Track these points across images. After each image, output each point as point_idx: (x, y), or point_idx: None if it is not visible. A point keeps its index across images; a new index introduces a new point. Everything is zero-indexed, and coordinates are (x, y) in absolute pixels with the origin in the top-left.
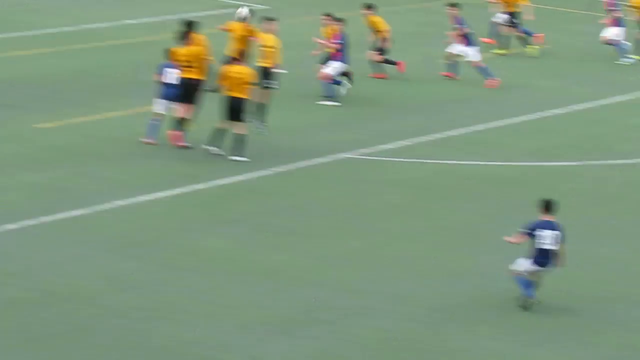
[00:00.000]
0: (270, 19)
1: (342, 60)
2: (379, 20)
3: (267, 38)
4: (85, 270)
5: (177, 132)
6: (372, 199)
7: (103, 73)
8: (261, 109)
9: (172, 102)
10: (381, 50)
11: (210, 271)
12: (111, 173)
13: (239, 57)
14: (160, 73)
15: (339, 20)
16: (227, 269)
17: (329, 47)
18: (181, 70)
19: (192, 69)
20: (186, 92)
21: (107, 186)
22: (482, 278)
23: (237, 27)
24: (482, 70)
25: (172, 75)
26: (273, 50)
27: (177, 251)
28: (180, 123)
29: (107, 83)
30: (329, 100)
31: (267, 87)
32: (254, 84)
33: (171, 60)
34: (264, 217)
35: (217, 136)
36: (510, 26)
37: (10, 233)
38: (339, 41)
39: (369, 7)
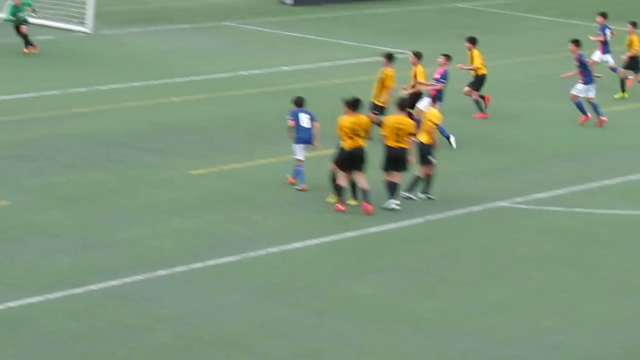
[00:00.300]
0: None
1: (440, 99)
2: (477, 54)
3: (431, 114)
4: (235, 316)
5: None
6: (525, 248)
7: (256, 119)
8: (425, 182)
9: (307, 145)
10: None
11: (360, 319)
12: (263, 219)
13: (401, 106)
14: (293, 119)
15: (447, 56)
16: (377, 316)
17: (434, 87)
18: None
19: (357, 138)
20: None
21: (259, 233)
22: (636, 328)
23: (391, 73)
24: (594, 107)
25: (306, 120)
26: (435, 127)
27: (328, 298)
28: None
29: (261, 129)
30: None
31: (429, 163)
32: (414, 134)
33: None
34: (415, 265)
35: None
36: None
37: (162, 279)
38: (442, 79)
39: (471, 41)
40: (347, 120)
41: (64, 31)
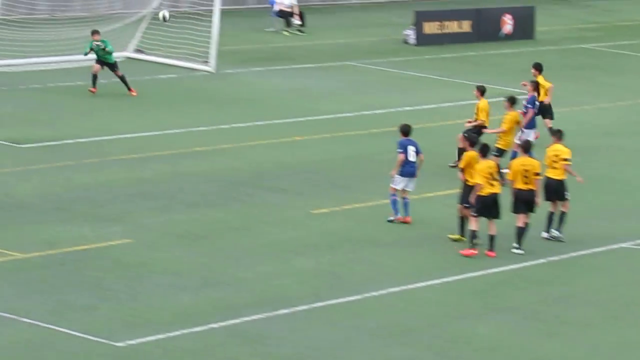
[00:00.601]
0: (557, 132)
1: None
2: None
3: (559, 150)
4: (356, 356)
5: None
6: None
7: (379, 159)
8: (558, 218)
9: (411, 179)
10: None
11: None
12: (384, 259)
13: (524, 148)
14: (403, 151)
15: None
16: (499, 357)
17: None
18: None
19: (494, 183)
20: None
21: (380, 272)
22: None
23: (509, 117)
24: None
25: (413, 153)
26: (568, 162)
27: (449, 339)
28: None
29: (383, 169)
30: None
31: (564, 199)
32: (539, 174)
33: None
34: (537, 306)
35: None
36: None
37: (283, 317)
38: (529, 105)
39: (537, 67)
40: (485, 165)
41: (187, 70)
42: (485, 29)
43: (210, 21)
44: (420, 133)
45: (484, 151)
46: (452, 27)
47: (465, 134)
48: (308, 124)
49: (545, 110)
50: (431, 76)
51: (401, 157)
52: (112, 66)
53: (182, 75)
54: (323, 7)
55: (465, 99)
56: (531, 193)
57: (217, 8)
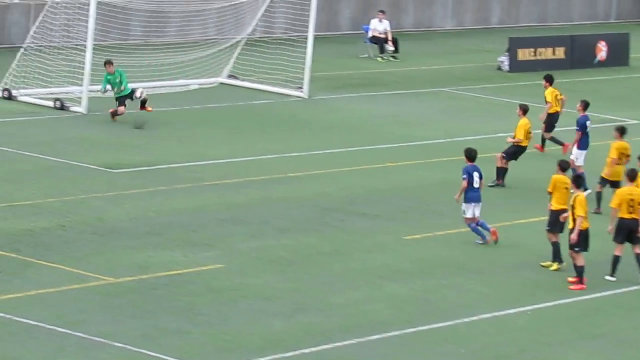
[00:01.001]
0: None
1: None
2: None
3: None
4: None
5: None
6: None
7: None
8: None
9: (477, 204)
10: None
11: None
12: (476, 285)
13: (631, 177)
14: (468, 179)
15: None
16: None
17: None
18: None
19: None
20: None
21: (472, 299)
22: None
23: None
24: None
25: (477, 179)
26: None
27: None
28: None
29: None
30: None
31: None
32: None
33: None
34: (630, 333)
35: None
36: None
37: (374, 343)
38: (578, 129)
39: (547, 79)
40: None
41: (281, 96)
42: (579, 56)
43: (304, 47)
44: (518, 161)
45: (576, 182)
46: (547, 54)
47: (504, 155)
48: (401, 150)
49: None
50: (524, 103)
51: (464, 184)
52: (130, 95)
53: (276, 101)
54: (417, 34)
55: (559, 126)
56: (635, 223)
57: (311, 34)
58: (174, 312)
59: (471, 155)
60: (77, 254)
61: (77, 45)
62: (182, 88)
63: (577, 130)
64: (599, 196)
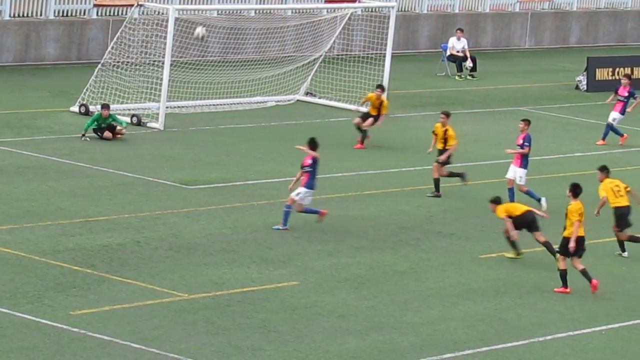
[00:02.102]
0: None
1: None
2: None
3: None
4: None
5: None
6: None
7: (549, 204)
8: None
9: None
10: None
11: None
12: (551, 305)
13: None
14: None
15: (526, 121)
16: None
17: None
18: None
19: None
20: None
21: (546, 318)
22: None
23: None
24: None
25: None
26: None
27: None
28: None
29: (552, 214)
30: None
31: None
32: None
33: None
34: None
35: None
36: None
37: None
38: (526, 144)
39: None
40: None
41: (357, 113)
42: None
43: (381, 65)
44: (588, 179)
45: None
46: (625, 73)
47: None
48: (477, 168)
49: None
50: (602, 122)
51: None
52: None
53: (352, 119)
54: (494, 52)
55: (636, 146)
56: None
57: (389, 52)
58: (248, 329)
59: None
60: (152, 269)
61: (154, 61)
62: (259, 105)
63: (527, 145)
64: None
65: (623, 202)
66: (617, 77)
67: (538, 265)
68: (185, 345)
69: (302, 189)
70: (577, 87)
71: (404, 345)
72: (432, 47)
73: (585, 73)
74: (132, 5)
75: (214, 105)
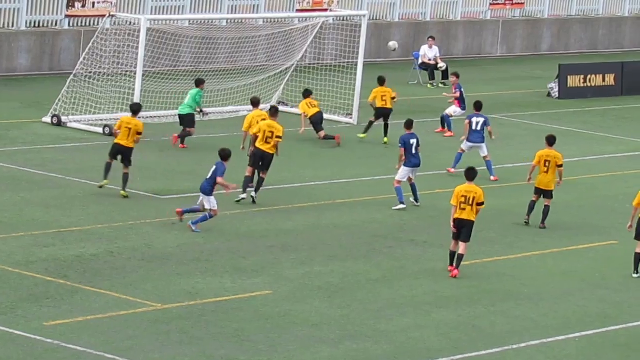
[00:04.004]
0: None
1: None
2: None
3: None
4: None
5: None
6: None
7: (521, 212)
8: None
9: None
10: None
11: None
12: (524, 312)
13: None
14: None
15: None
16: None
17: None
18: None
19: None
20: None
21: (520, 325)
22: None
23: None
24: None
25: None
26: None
27: None
28: None
29: (522, 222)
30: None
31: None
32: None
33: None
34: None
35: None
36: None
37: None
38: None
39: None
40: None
41: (330, 122)
42: (630, 83)
43: (353, 74)
44: (562, 186)
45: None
46: (597, 80)
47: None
48: (449, 177)
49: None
50: (574, 129)
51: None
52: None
53: (324, 128)
54: (466, 60)
55: (608, 153)
56: None
57: (360, 60)
58: (221, 339)
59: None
60: (125, 279)
61: (126, 71)
62: (231, 114)
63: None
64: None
65: None
66: (589, 84)
67: (511, 272)
68: (158, 355)
69: None
70: (549, 95)
71: (377, 354)
72: (404, 56)
73: (557, 80)
74: (104, 16)
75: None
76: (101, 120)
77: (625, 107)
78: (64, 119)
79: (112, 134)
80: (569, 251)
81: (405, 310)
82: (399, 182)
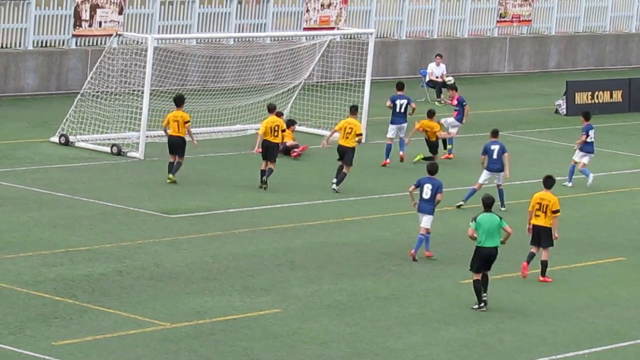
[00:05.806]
0: None
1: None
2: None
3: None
4: None
5: None
6: None
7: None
8: None
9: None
10: None
11: None
12: (534, 329)
13: None
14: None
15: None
16: None
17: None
18: None
19: None
20: None
21: (529, 342)
22: None
23: None
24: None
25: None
26: None
27: None
28: None
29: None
30: None
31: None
32: None
33: None
34: None
35: None
36: None
37: None
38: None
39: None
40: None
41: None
42: (637, 99)
43: (361, 91)
44: (569, 202)
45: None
46: (604, 97)
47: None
48: (457, 193)
49: None
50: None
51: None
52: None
53: (333, 146)
54: (474, 77)
55: (615, 169)
56: None
57: (368, 78)
58: (230, 357)
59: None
60: (134, 299)
61: (134, 90)
62: (239, 133)
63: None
64: None
65: None
66: (597, 101)
67: (520, 289)
68: None
69: None
70: (556, 111)
71: None
72: (411, 73)
73: (564, 97)
74: (111, 35)
75: (194, 133)
76: (109, 139)
77: (633, 124)
78: (71, 138)
79: (120, 153)
80: (577, 268)
81: (414, 328)
82: (480, 185)
